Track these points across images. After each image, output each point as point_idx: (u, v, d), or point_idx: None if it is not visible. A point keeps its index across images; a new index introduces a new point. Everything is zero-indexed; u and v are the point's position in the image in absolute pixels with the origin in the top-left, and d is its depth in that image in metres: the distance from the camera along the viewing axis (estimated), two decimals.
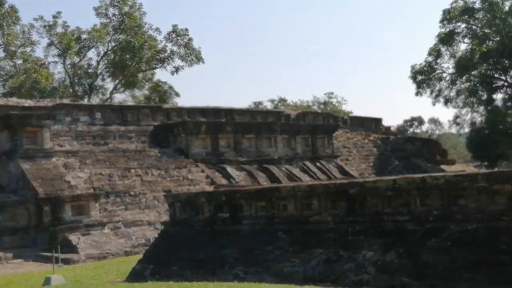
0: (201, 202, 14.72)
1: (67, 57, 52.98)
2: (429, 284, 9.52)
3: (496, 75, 45.96)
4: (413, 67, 47.79)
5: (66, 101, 35.00)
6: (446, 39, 45.18)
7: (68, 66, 54.34)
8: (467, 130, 49.12)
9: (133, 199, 26.09)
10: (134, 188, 26.75)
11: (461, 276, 9.41)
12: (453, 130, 55.46)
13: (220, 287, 9.84)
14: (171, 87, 58.25)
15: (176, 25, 52.82)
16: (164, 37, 53.15)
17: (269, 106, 72.24)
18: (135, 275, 14.25)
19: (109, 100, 54.71)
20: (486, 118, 43.53)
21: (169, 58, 53.38)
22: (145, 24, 52.88)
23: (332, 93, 77.26)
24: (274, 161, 34.15)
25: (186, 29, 52.96)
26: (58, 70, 58.64)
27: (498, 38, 43.73)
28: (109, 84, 57.26)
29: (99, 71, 55.38)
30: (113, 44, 52.78)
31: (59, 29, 52.34)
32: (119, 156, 28.67)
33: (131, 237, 23.53)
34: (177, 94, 58.98)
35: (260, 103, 74.22)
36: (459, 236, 10.00)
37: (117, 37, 52.32)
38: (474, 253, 9.60)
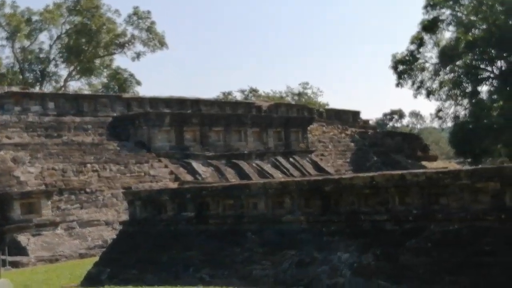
0: (163, 200, 14.66)
1: (16, 41, 52.12)
2: None
3: (482, 66, 46.59)
4: (394, 56, 48.18)
5: (15, 89, 34.42)
6: (430, 26, 45.59)
7: (18, 51, 53.52)
8: (450, 124, 49.77)
9: (89, 197, 25.87)
10: (90, 184, 26.52)
11: (442, 279, 9.55)
12: (435, 124, 56.31)
13: None
14: (131, 75, 57.79)
15: (137, 7, 52.61)
16: (124, 20, 52.87)
17: (239, 97, 72.23)
18: (91, 279, 14.13)
19: (63, 89, 54.06)
20: (470, 112, 44.16)
21: (130, 43, 53.10)
22: (103, 5, 52.52)
23: (307, 84, 77.70)
24: (244, 156, 34.20)
25: (148, 12, 52.84)
26: (6, 55, 57.70)
27: (484, 26, 44.30)
28: (63, 71, 56.63)
29: (52, 57, 54.74)
30: (68, 26, 52.24)
31: (7, 10, 51.48)
32: (74, 150, 28.37)
33: (86, 238, 23.34)
34: (138, 83, 58.59)
35: (229, 93, 74.15)
36: (440, 237, 10.13)
37: (72, 19, 51.77)
38: (456, 255, 9.74)
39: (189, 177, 29.72)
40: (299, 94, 76.27)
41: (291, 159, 36.56)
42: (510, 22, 42.41)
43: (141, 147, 30.99)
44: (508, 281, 8.97)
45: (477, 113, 41.57)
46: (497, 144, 43.60)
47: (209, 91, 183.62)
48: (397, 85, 48.98)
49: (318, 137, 42.44)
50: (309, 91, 77.80)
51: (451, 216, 10.19)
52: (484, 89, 47.26)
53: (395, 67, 48.16)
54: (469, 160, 45.13)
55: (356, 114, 49.99)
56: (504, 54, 44.05)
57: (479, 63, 46.41)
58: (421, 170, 11.41)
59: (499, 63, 45.65)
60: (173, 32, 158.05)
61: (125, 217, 19.90)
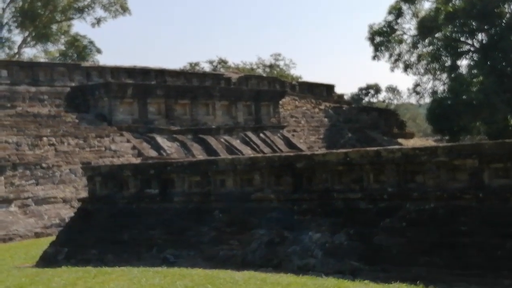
0: (126, 176, 14.59)
1: None
2: (382, 269, 9.77)
3: (462, 39, 46.89)
4: (371, 27, 48.28)
5: None
6: None
7: None
8: (427, 100, 50.23)
9: (45, 172, 25.59)
10: (47, 159, 26.21)
11: (416, 260, 9.70)
12: (413, 100, 56.55)
13: (146, 273, 9.83)
14: (91, 42, 56.99)
15: None
16: None
17: (207, 68, 71.79)
18: (47, 260, 14.05)
19: (17, 56, 53.02)
20: (449, 87, 44.48)
21: (89, 8, 52.26)
22: None
23: (279, 55, 77.45)
24: (212, 131, 34.12)
25: None
26: None
27: None
28: (17, 37, 55.96)
29: (4, 21, 53.42)
30: None
31: None
32: (29, 122, 27.96)
33: (42, 216, 23.15)
34: (99, 51, 57.82)
35: (196, 64, 73.62)
36: (416, 216, 10.28)
37: None
38: (432, 235, 9.90)
39: (153, 153, 29.57)
40: (271, 66, 76.11)
41: (261, 135, 36.59)
42: None
43: (101, 120, 30.69)
44: (484, 262, 9.16)
45: (456, 89, 41.95)
46: (476, 121, 44.20)
47: (175, 61, 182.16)
48: (374, 57, 49.21)
49: (290, 112, 42.52)
50: (281, 63, 77.68)
51: (427, 194, 10.34)
52: (463, 63, 48.00)
53: (371, 39, 48.30)
54: (447, 137, 45.63)
55: (330, 88, 50.07)
56: (485, 27, 44.39)
57: (459, 35, 46.70)
58: (397, 147, 11.51)
59: (480, 36, 46.03)
60: None
61: (84, 194, 19.76)
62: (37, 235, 21.21)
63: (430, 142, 47.19)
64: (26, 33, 54.11)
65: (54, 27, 54.34)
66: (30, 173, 25.10)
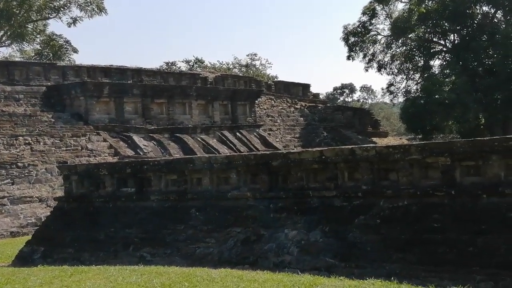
0: (102, 175, 14.50)
1: None
2: (356, 266, 9.83)
3: (434, 39, 47.33)
4: (345, 27, 48.50)
5: None
6: None
7: None
8: (401, 99, 50.62)
9: (21, 172, 25.32)
10: (22, 158, 25.94)
11: (390, 256, 9.76)
12: (387, 99, 57.01)
13: (123, 272, 9.77)
14: (67, 42, 56.29)
15: None
16: None
17: (183, 67, 71.60)
18: (23, 259, 13.92)
19: None
20: (422, 87, 44.76)
21: (65, 7, 51.60)
22: None
23: (255, 55, 77.58)
24: (189, 130, 34.03)
25: None
26: None
27: None
28: None
29: None
30: None
31: None
32: (4, 121, 27.65)
33: (18, 216, 22.92)
34: (75, 50, 57.16)
35: (173, 63, 73.41)
36: (389, 213, 10.34)
37: None
38: (405, 232, 9.97)
39: (129, 152, 29.41)
40: (247, 66, 76.13)
41: (238, 134, 36.58)
42: None
43: (77, 119, 30.44)
44: (456, 258, 9.25)
45: (429, 88, 42.26)
46: (449, 120, 44.56)
47: (151, 60, 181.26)
48: (348, 57, 49.44)
49: (266, 111, 42.57)
50: (257, 63, 77.78)
51: (401, 192, 10.41)
52: (436, 63, 48.14)
53: (346, 39, 48.51)
54: (420, 136, 45.94)
55: (306, 87, 50.20)
56: (457, 27, 44.81)
57: (432, 36, 47.11)
58: (371, 145, 11.56)
59: (452, 36, 46.46)
60: None
61: (60, 193, 19.61)
62: (13, 234, 21.01)
63: (403, 140, 47.51)
64: (1, 33, 53.40)
65: (30, 26, 53.64)
66: (5, 173, 24.83)
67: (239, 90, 39.95)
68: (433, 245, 9.56)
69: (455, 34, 45.91)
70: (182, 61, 75.00)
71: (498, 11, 44.51)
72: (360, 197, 10.79)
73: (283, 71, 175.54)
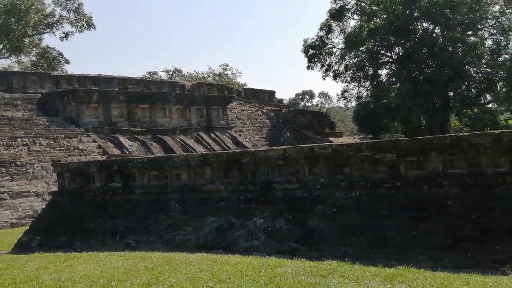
0: (91, 171, 14.32)
1: None
2: (315, 249, 9.85)
3: (382, 51, 47.70)
4: (305, 41, 48.61)
5: None
6: (337, 15, 46.17)
7: None
8: (354, 104, 50.83)
9: (19, 170, 24.89)
10: (20, 158, 25.50)
11: (345, 240, 9.81)
12: (341, 104, 57.29)
13: (110, 257, 9.66)
14: (60, 54, 55.50)
15: None
16: (53, 1, 50.52)
17: (164, 76, 71.11)
18: (21, 247, 13.68)
19: None
20: (372, 93, 45.10)
21: (58, 23, 50.89)
22: None
23: (227, 65, 77.64)
24: (169, 131, 33.81)
25: None
26: None
27: (385, 16, 45.26)
28: None
29: None
30: None
31: None
32: (4, 125, 27.14)
33: (17, 209, 22.52)
34: (67, 62, 56.34)
35: (154, 73, 72.88)
36: (344, 203, 10.40)
37: (1, 0, 48.99)
38: (357, 219, 10.04)
39: (116, 151, 29.09)
40: (220, 75, 75.94)
41: (212, 135, 36.45)
42: (407, 12, 43.46)
43: (70, 123, 30.04)
44: (401, 241, 9.33)
45: (377, 94, 42.62)
46: (395, 121, 45.06)
47: (135, 70, 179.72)
48: (308, 67, 49.54)
49: (237, 115, 42.48)
50: (229, 72, 77.69)
51: (353, 184, 10.47)
52: (383, 72, 48.46)
53: (306, 51, 48.59)
54: (370, 136, 46.31)
55: (271, 93, 50.24)
56: (402, 41, 45.24)
57: (380, 49, 47.46)
58: (327, 144, 11.60)
59: (397, 49, 46.86)
60: (101, 14, 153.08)
61: (54, 188, 19.31)
62: (12, 225, 20.64)
63: (356, 139, 47.82)
64: (1, 46, 52.43)
65: (26, 40, 52.77)
66: (5, 170, 24.37)
67: (213, 96, 39.81)
68: (381, 230, 9.63)
69: (400, 47, 46.33)
70: (163, 71, 74.59)
71: (436, 27, 45.05)
72: (319, 189, 10.83)
73: (252, 79, 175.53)
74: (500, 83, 43.24)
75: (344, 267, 7.67)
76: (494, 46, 43.29)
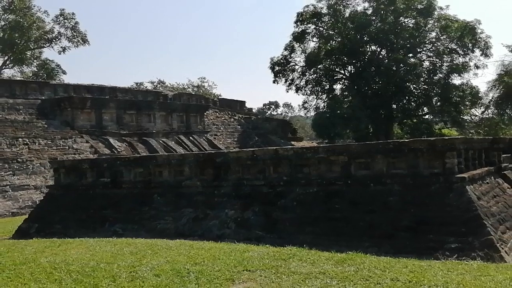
0: (84, 168, 14.10)
1: None
2: (278, 236, 9.89)
3: (337, 69, 48.10)
4: (272, 59, 48.62)
5: None
6: (299, 37, 46.35)
7: None
8: (313, 113, 51.09)
9: (20, 166, 24.35)
10: (21, 155, 24.95)
11: (303, 229, 9.87)
12: (302, 113, 57.35)
13: (100, 243, 9.51)
14: (58, 65, 54.52)
15: (63, 9, 49.73)
16: (52, 20, 49.70)
17: (149, 86, 70.42)
18: (21, 233, 13.39)
19: None
20: (328, 104, 45.41)
21: (57, 39, 50.07)
22: (34, 6, 49.07)
23: (204, 78, 77.72)
24: (153, 134, 33.50)
25: (73, 13, 50.06)
26: None
27: (339, 39, 45.63)
28: None
29: None
30: (3, 23, 48.34)
31: None
32: (7, 126, 26.53)
33: (18, 200, 22.03)
34: (64, 72, 55.52)
35: (141, 83, 72.14)
36: (303, 197, 10.47)
37: (7, 17, 47.96)
38: (314, 211, 10.11)
39: (106, 151, 28.69)
40: (198, 86, 75.59)
41: (191, 138, 36.23)
42: (358, 36, 44.00)
43: (65, 125, 29.51)
44: (351, 231, 9.43)
45: (333, 106, 42.97)
46: (347, 129, 45.39)
47: (124, 81, 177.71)
48: (274, 81, 49.55)
49: (212, 121, 42.33)
50: (206, 84, 77.41)
51: (311, 182, 10.55)
52: (338, 87, 48.85)
53: (272, 68, 48.65)
54: (326, 141, 46.59)
55: (242, 103, 50.21)
56: (353, 61, 45.78)
57: (335, 67, 47.82)
58: (290, 147, 11.66)
59: (350, 67, 47.35)
60: (95, 30, 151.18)
61: (51, 182, 18.93)
62: (14, 214, 20.18)
63: (314, 144, 48.07)
64: (6, 58, 51.32)
65: (28, 53, 51.74)
66: (8, 166, 23.82)
67: (192, 104, 39.60)
68: (334, 221, 9.72)
69: (352, 66, 46.79)
70: (148, 82, 73.92)
71: (383, 50, 45.66)
72: (282, 185, 10.87)
73: (226, 90, 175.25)
74: (435, 98, 44.12)
75: (302, 252, 7.71)
76: (431, 67, 44.18)
